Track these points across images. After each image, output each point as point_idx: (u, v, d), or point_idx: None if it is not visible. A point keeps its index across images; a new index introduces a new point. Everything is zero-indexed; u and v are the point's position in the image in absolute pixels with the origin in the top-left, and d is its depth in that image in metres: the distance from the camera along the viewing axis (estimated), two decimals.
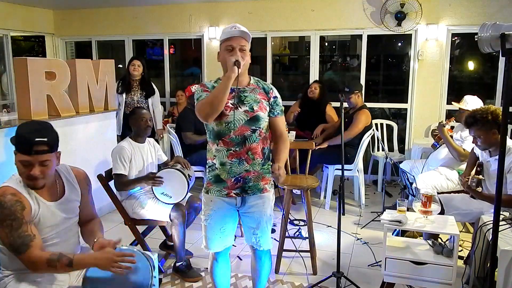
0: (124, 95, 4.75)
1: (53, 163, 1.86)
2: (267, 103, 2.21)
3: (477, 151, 3.18)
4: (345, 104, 4.45)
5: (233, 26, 2.12)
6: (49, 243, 1.91)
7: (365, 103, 4.64)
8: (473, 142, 3.01)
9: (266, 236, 2.30)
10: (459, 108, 3.96)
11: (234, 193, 2.18)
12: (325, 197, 4.72)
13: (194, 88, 1.98)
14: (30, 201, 1.81)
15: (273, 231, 3.38)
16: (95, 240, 1.97)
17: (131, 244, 3.23)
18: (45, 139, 1.80)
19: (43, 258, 1.74)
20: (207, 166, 2.25)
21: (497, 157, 2.85)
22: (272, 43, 5.98)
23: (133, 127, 3.24)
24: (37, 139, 1.77)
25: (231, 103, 2.11)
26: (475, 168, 3.11)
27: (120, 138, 4.70)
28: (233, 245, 3.62)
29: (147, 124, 3.20)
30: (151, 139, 3.38)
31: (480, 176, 2.86)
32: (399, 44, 6.52)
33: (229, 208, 2.24)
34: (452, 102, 4.32)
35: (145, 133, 3.24)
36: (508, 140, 2.68)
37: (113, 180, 3.10)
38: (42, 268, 1.76)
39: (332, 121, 4.90)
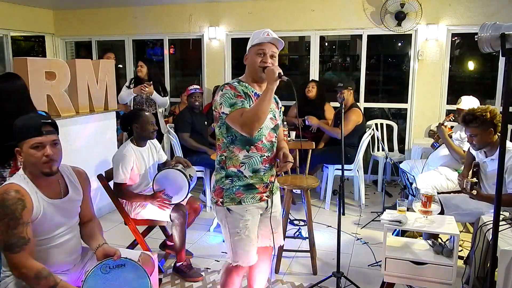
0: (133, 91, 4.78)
1: (61, 146, 1.91)
2: (278, 113, 2.24)
3: (474, 151, 3.19)
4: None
5: (265, 31, 2.07)
6: (52, 244, 1.90)
7: (356, 102, 4.67)
8: (468, 141, 3.03)
9: (281, 231, 2.36)
10: (457, 108, 3.97)
11: (265, 196, 2.15)
12: (325, 197, 4.72)
13: (224, 90, 1.92)
14: (33, 199, 1.81)
15: None
16: (100, 244, 1.97)
17: (131, 244, 3.24)
18: (49, 120, 1.89)
19: (34, 268, 1.72)
20: (224, 174, 2.08)
21: (492, 157, 2.89)
22: None
23: (137, 130, 3.11)
24: (43, 120, 1.85)
25: None
26: (471, 169, 3.13)
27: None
28: None
29: (154, 128, 3.14)
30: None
31: (474, 179, 2.89)
32: (399, 44, 6.52)
33: (260, 214, 2.18)
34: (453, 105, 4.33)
35: (151, 137, 3.18)
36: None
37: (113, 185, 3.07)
38: (27, 277, 1.73)
39: (330, 119, 4.91)
